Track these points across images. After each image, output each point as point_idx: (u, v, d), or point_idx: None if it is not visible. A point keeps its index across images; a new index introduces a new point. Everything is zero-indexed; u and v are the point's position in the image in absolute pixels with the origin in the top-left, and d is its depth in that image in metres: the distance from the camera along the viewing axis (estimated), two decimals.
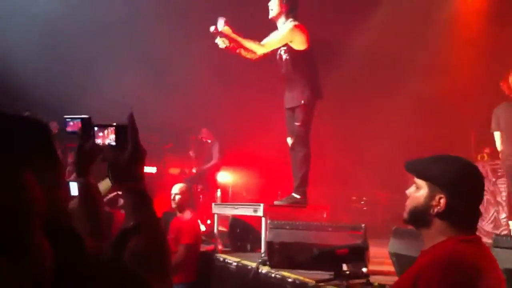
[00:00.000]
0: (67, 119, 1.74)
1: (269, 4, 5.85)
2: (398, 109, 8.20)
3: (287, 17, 5.79)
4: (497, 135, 6.43)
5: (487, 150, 7.75)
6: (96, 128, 1.56)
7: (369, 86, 9.01)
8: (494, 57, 7.89)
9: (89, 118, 1.68)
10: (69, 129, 1.74)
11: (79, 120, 1.71)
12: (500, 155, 6.52)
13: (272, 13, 5.83)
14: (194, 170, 8.95)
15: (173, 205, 5.99)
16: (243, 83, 8.92)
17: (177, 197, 5.96)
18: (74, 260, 1.04)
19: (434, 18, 8.75)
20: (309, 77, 5.83)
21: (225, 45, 5.65)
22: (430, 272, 1.89)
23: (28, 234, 0.90)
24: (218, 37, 5.63)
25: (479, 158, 7.79)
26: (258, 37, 5.90)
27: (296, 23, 5.74)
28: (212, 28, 5.61)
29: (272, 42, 5.82)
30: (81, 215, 1.66)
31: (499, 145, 6.40)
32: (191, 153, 9.12)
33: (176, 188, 6.04)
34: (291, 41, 5.74)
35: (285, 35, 5.74)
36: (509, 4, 8.14)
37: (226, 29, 5.60)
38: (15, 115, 1.07)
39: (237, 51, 5.82)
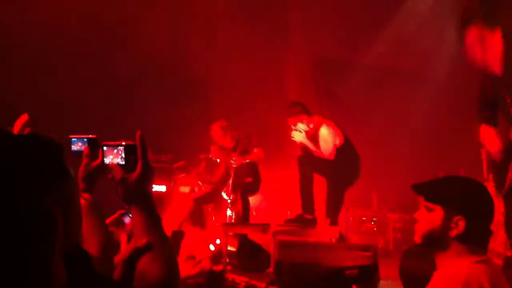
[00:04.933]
0: (73, 139, 1.74)
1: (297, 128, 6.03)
2: (409, 130, 8.17)
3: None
4: None
5: None
6: (105, 148, 1.58)
7: (379, 105, 9.01)
8: None
9: (95, 138, 1.69)
10: (74, 148, 1.73)
11: (85, 140, 1.71)
12: None
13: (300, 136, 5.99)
14: (203, 189, 8.94)
15: None
16: (254, 101, 8.97)
17: None
18: (83, 279, 1.05)
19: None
20: None
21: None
22: None
23: (49, 259, 0.91)
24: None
25: (490, 178, 7.70)
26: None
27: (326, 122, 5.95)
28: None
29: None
30: (87, 232, 1.67)
31: None
32: (201, 171, 9.12)
33: None
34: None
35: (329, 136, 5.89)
36: None
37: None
38: (26, 136, 1.07)
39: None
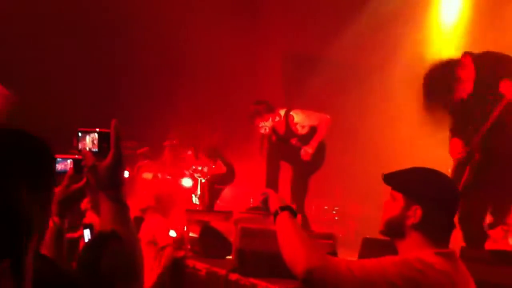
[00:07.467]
0: (58, 159, 1.62)
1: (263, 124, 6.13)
2: (375, 121, 8.28)
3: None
4: None
5: None
6: (80, 134, 1.56)
7: (344, 98, 9.10)
8: None
9: (80, 159, 1.58)
10: (58, 168, 1.62)
11: (70, 160, 1.64)
12: None
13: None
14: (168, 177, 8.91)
15: None
16: (225, 89, 8.97)
17: None
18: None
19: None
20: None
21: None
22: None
23: (23, 253, 0.91)
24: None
25: None
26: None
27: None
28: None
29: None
30: (53, 255, 1.63)
31: None
32: (165, 159, 9.08)
33: None
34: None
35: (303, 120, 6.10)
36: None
37: None
38: (17, 132, 1.07)
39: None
